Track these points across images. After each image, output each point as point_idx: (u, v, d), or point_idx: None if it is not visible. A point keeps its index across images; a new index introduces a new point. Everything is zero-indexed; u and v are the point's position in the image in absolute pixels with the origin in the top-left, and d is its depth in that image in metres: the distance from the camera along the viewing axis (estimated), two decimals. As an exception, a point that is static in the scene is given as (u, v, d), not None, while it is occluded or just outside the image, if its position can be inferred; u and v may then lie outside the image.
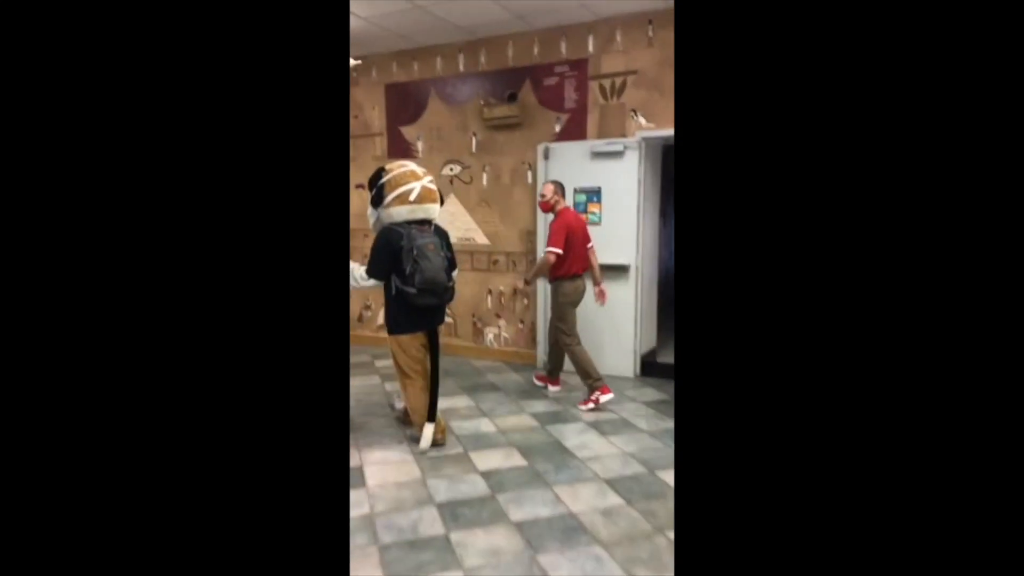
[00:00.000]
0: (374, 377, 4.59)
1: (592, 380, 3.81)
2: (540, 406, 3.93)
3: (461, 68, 5.03)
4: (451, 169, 5.20)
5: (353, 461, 3.04)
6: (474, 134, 5.06)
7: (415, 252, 2.91)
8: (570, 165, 4.50)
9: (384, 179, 3.07)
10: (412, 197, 3.02)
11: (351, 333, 3.26)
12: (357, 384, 4.39)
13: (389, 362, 5.15)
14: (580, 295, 3.89)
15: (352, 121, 5.57)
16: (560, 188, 3.97)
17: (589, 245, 3.97)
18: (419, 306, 2.97)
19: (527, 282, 4.06)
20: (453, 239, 5.14)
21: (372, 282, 3.04)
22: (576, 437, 3.37)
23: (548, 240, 3.79)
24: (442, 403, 3.73)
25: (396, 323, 3.09)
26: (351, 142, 5.61)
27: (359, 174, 5.61)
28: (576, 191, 4.53)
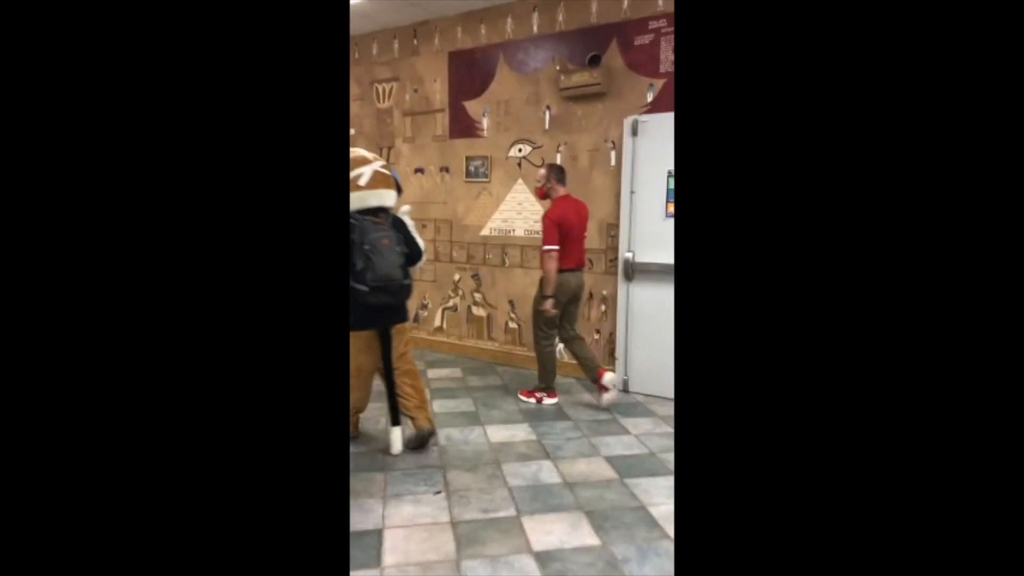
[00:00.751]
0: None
1: (542, 384, 3.72)
2: (618, 446, 3.11)
3: (535, 29, 4.25)
4: (519, 150, 4.44)
5: (373, 517, 2.36)
6: (548, 107, 4.27)
7: (367, 247, 2.65)
8: (665, 143, 3.63)
9: None
10: (361, 182, 2.74)
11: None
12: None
13: (445, 372, 4.63)
14: (570, 292, 3.53)
15: (412, 96, 4.93)
16: (556, 173, 3.55)
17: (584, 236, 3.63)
18: (370, 304, 2.70)
19: (545, 297, 3.49)
20: (520, 232, 4.49)
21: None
22: (668, 500, 2.54)
23: (543, 238, 3.47)
24: (498, 433, 3.25)
25: (358, 318, 2.77)
26: (410, 120, 4.97)
27: (418, 157, 4.95)
28: (671, 174, 3.65)
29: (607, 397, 3.54)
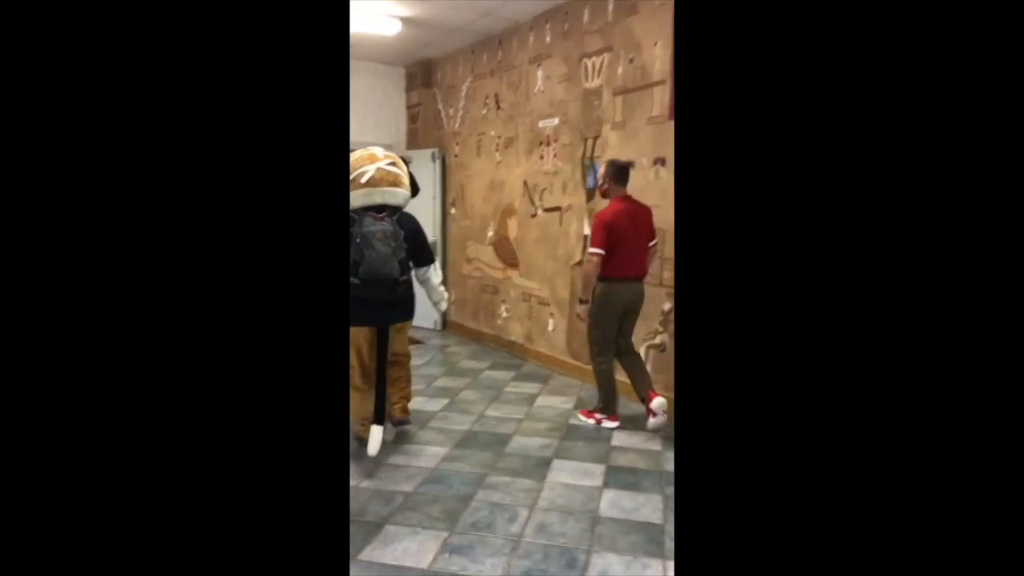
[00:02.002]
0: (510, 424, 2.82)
1: (603, 405, 3.35)
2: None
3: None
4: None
5: None
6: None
7: (360, 240, 2.71)
8: None
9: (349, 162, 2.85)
10: (364, 180, 2.77)
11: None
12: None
13: (550, 403, 3.72)
14: (624, 304, 3.21)
15: (625, 68, 3.82)
16: (614, 171, 3.21)
17: (652, 243, 3.26)
18: (362, 298, 2.74)
19: (582, 301, 3.26)
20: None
21: None
22: None
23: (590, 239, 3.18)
24: (564, 477, 2.63)
25: (352, 313, 2.72)
26: (621, 99, 3.87)
27: (628, 146, 3.83)
28: None
29: (653, 421, 3.21)
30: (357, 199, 2.74)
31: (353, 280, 2.72)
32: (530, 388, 4.09)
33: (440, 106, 5.93)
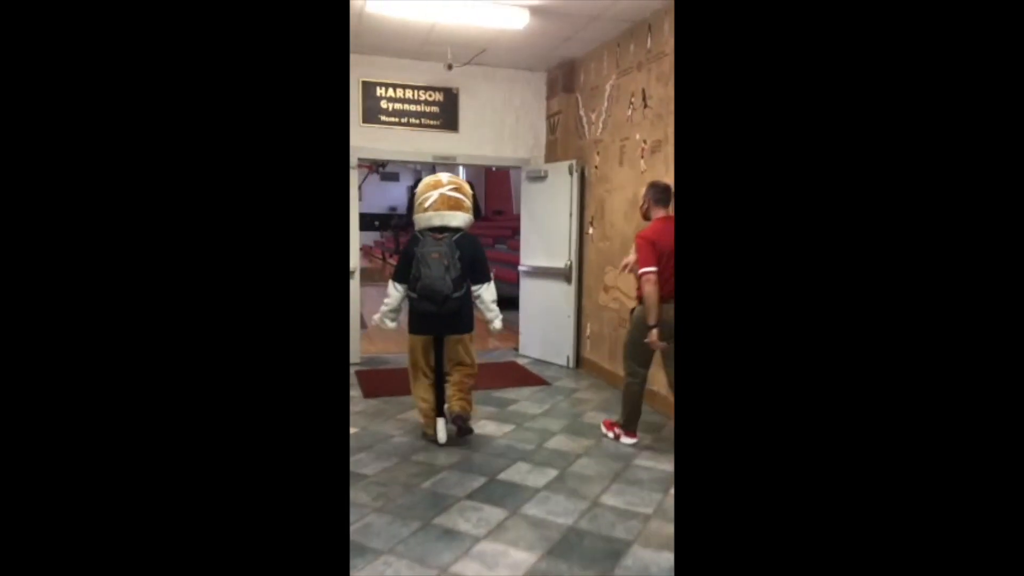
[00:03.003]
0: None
1: (624, 422, 3.32)
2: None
3: None
4: None
5: None
6: None
7: (418, 259, 3.06)
8: None
9: (418, 188, 3.30)
10: (427, 204, 3.16)
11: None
12: None
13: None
14: (665, 325, 2.94)
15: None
16: (655, 192, 3.16)
17: None
18: (419, 311, 3.12)
19: (649, 328, 2.97)
20: None
21: (396, 287, 3.27)
22: None
23: (638, 259, 3.07)
24: None
25: (408, 322, 3.28)
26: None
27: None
28: None
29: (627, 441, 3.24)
30: (421, 222, 3.18)
31: (411, 295, 3.17)
32: (668, 465, 3.10)
33: (582, 111, 5.17)
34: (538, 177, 5.38)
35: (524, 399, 4.27)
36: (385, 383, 4.60)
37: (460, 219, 3.18)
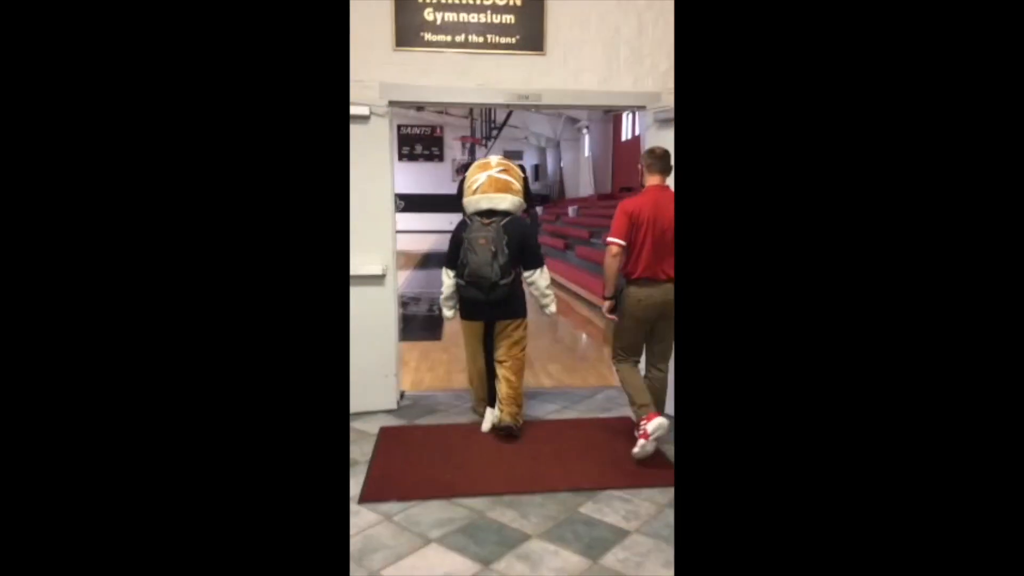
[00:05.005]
0: None
1: (636, 406, 2.84)
2: None
3: None
4: None
5: None
6: None
7: (466, 244, 2.99)
8: None
9: (468, 171, 3.26)
10: (475, 187, 3.07)
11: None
12: None
13: None
14: (652, 309, 2.81)
15: None
16: (647, 158, 2.87)
17: None
18: (466, 297, 3.07)
19: (605, 298, 2.90)
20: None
21: (448, 274, 3.18)
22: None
23: None
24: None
25: (460, 309, 3.22)
26: None
27: None
28: None
29: (637, 448, 2.74)
30: (469, 205, 3.11)
31: (459, 281, 3.10)
32: None
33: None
34: (672, 120, 3.28)
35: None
36: (416, 463, 2.81)
37: (509, 202, 3.08)
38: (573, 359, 4.94)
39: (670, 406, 3.11)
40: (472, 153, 19.43)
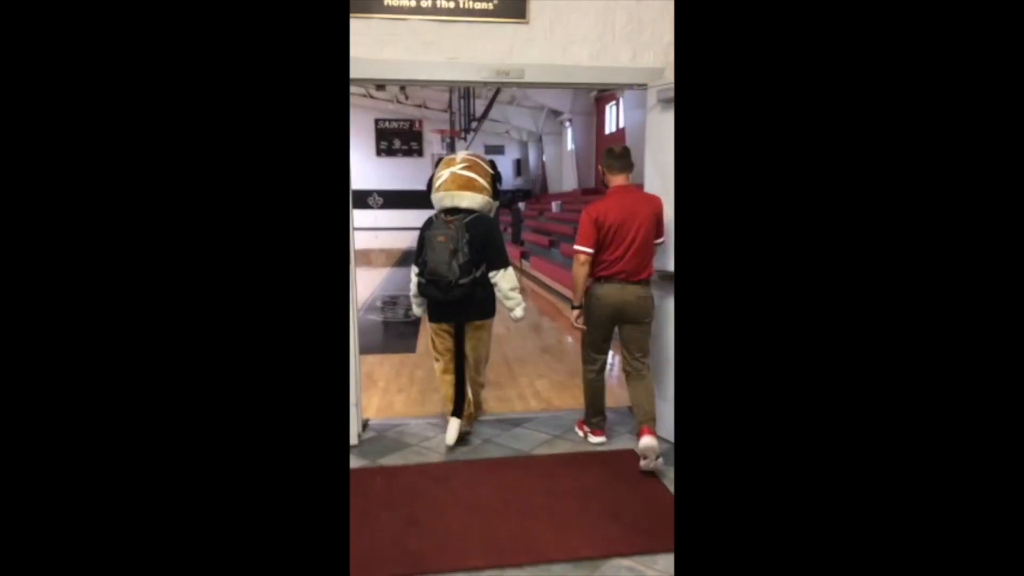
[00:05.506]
0: None
1: (586, 418, 3.07)
2: None
3: None
4: None
5: None
6: None
7: (426, 242, 2.91)
8: None
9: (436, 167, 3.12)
10: (438, 184, 2.99)
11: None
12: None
13: None
14: (612, 308, 2.77)
15: None
16: (606, 157, 2.81)
17: (659, 241, 2.80)
18: (428, 297, 2.94)
19: (574, 307, 2.90)
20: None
21: (413, 271, 3.05)
22: None
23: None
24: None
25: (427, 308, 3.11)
26: None
27: None
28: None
29: (643, 463, 2.63)
30: (435, 202, 3.00)
31: (420, 280, 2.94)
32: None
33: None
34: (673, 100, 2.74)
35: None
36: (374, 524, 2.27)
37: (470, 200, 2.91)
38: (562, 373, 4.42)
39: (668, 431, 2.65)
40: (452, 148, 18.81)
